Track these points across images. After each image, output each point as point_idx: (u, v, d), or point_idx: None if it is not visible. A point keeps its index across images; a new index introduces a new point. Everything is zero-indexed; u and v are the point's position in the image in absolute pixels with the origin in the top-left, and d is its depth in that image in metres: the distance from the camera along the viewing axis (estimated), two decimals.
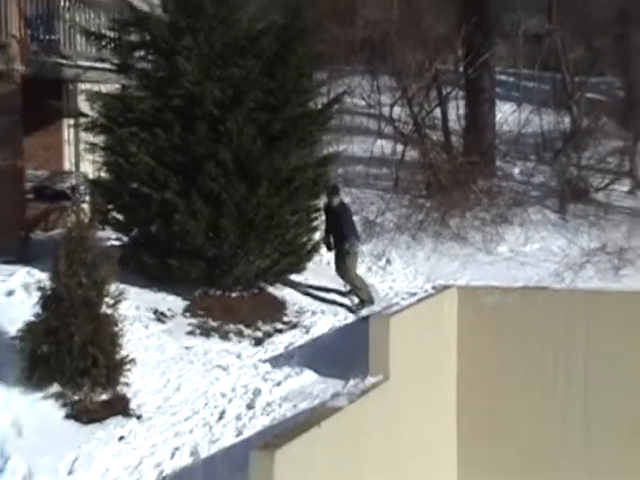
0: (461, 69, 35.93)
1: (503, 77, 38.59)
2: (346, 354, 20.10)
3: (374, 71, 34.80)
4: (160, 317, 21.55)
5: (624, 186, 33.29)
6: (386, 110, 35.22)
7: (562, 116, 35.32)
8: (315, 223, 25.17)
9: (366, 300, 22.21)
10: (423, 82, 34.82)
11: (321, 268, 24.41)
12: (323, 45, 26.25)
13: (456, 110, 35.70)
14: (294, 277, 24.02)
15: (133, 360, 18.72)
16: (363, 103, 35.07)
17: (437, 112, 35.38)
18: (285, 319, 22.30)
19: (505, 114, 36.56)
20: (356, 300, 23.36)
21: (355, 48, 33.22)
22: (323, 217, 24.80)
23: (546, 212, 31.83)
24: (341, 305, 23.36)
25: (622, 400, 19.53)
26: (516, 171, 34.23)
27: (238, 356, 20.71)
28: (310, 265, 24.26)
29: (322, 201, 24.96)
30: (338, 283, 23.61)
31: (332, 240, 23.63)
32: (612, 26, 36.66)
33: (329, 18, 29.04)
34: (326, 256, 24.13)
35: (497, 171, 33.95)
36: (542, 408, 20.18)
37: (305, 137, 24.21)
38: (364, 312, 22.11)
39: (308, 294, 24.04)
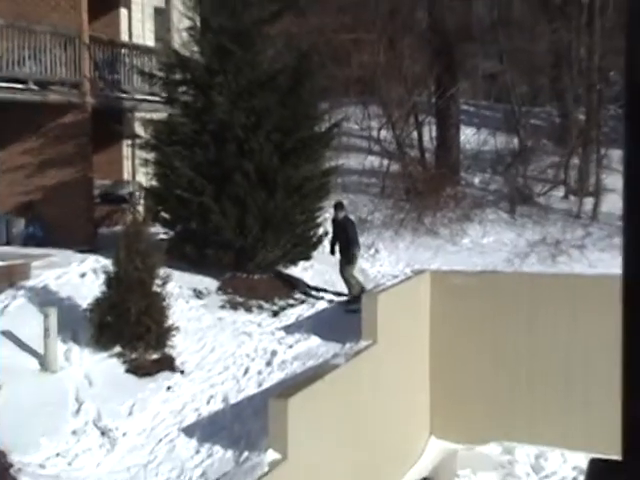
0: (433, 101, 36.07)
1: (466, 107, 38.59)
2: (343, 324, 20.24)
3: (365, 102, 34.85)
4: (198, 294, 21.78)
5: (560, 192, 33.33)
6: (375, 133, 35.27)
7: (511, 138, 35.34)
8: (319, 220, 25.30)
9: (357, 296, 21.52)
10: (403, 111, 34.91)
11: (323, 256, 24.42)
12: (326, 81, 26.35)
13: (429, 133, 35.79)
14: (302, 263, 24.12)
15: (177, 328, 19.15)
16: (357, 127, 35.07)
17: (414, 134, 35.47)
18: (296, 296, 22.38)
19: (467, 136, 36.69)
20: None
21: (350, 84, 33.26)
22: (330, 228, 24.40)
23: (499, 212, 31.91)
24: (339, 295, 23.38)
25: (560, 359, 19.51)
26: (476, 180, 34.24)
27: (259, 325, 21.00)
28: (315, 254, 24.34)
29: (329, 209, 25.04)
30: (337, 270, 23.59)
31: (337, 247, 23.12)
32: (549, 68, 36.67)
33: (330, 60, 29.06)
34: (327, 248, 24.00)
35: (461, 180, 33.98)
36: (494, 367, 20.15)
37: (312, 154, 24.46)
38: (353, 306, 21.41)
39: (313, 276, 24.13)
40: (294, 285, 22.67)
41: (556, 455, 18.68)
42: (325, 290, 23.32)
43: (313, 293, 23.29)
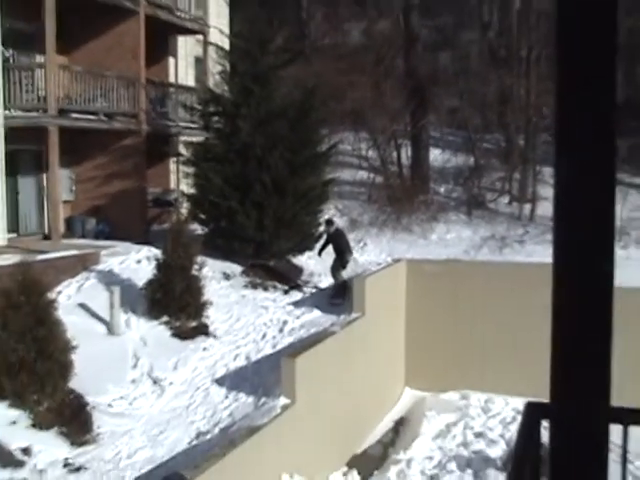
0: (408, 129, 36.01)
1: (433, 134, 38.53)
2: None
3: (356, 129, 34.76)
4: (226, 277, 21.80)
5: (505, 199, 33.35)
6: (363, 153, 35.26)
7: (468, 157, 35.37)
8: (320, 220, 25.26)
9: (340, 292, 20.68)
10: (386, 136, 34.89)
11: None
12: (326, 113, 26.35)
13: (406, 153, 35.81)
14: (307, 253, 24.05)
15: (210, 302, 19.22)
16: (349, 148, 34.99)
17: (394, 154, 35.48)
18: (302, 278, 22.36)
19: (435, 155, 36.73)
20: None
21: (345, 115, 33.22)
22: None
23: (459, 215, 31.93)
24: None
25: (505, 326, 19.49)
26: (441, 190, 34.22)
27: (274, 301, 20.98)
28: (317, 245, 24.28)
29: (328, 211, 24.97)
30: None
31: (324, 252, 22.13)
32: (497, 105, 36.69)
33: (329, 97, 29.06)
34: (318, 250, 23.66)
35: (430, 190, 33.97)
36: (455, 333, 20.16)
37: (315, 168, 24.43)
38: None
39: (316, 263, 24.09)
40: (300, 271, 22.62)
41: (500, 400, 18.69)
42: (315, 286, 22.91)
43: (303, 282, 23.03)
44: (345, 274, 21.28)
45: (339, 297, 20.28)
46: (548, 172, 30.63)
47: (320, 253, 22.35)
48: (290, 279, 22.45)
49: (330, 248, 21.72)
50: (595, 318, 2.29)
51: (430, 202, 32.66)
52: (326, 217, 24.16)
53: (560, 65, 2.28)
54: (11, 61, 22.32)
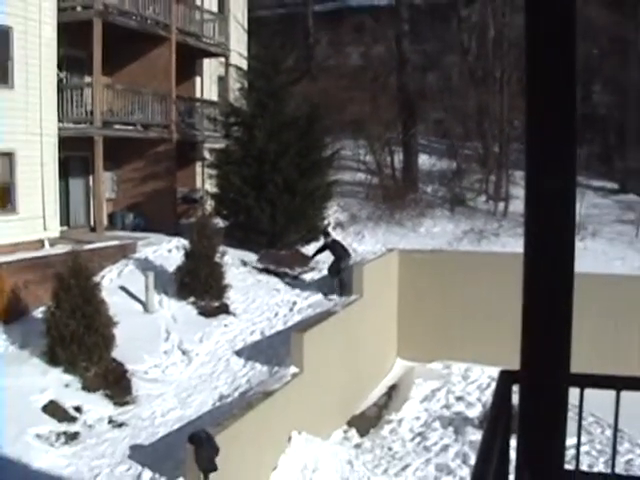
0: (400, 137, 36.01)
1: (422, 141, 38.49)
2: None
3: (355, 137, 34.76)
4: (244, 264, 21.71)
5: (483, 198, 33.32)
6: (362, 157, 35.26)
7: (451, 162, 35.35)
8: (324, 216, 25.30)
9: (336, 291, 19.66)
10: (381, 143, 34.89)
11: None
12: (329, 124, 26.31)
13: (398, 158, 35.81)
14: (314, 243, 23.90)
15: (230, 285, 19.18)
16: (350, 154, 34.98)
17: (388, 159, 35.45)
18: (309, 266, 22.29)
19: (424, 160, 36.69)
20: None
21: (346, 125, 33.23)
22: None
23: (444, 211, 31.90)
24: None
25: (482, 305, 19.44)
26: (429, 190, 34.17)
27: (285, 284, 20.93)
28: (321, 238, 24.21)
29: (331, 208, 24.80)
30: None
31: (318, 255, 21.38)
32: (476, 117, 36.71)
33: (333, 110, 29.04)
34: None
35: (419, 190, 33.97)
36: (440, 311, 20.14)
37: (320, 171, 24.45)
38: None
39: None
40: (308, 259, 22.54)
41: (478, 369, 18.69)
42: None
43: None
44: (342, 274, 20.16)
45: (334, 293, 19.71)
46: (519, 175, 30.69)
47: (314, 256, 21.78)
48: (299, 265, 22.37)
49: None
50: (558, 299, 2.32)
51: (419, 200, 32.67)
52: (325, 228, 23.49)
53: (529, 84, 2.31)
54: (64, 82, 22.46)
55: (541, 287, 2.36)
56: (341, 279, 19.70)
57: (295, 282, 21.26)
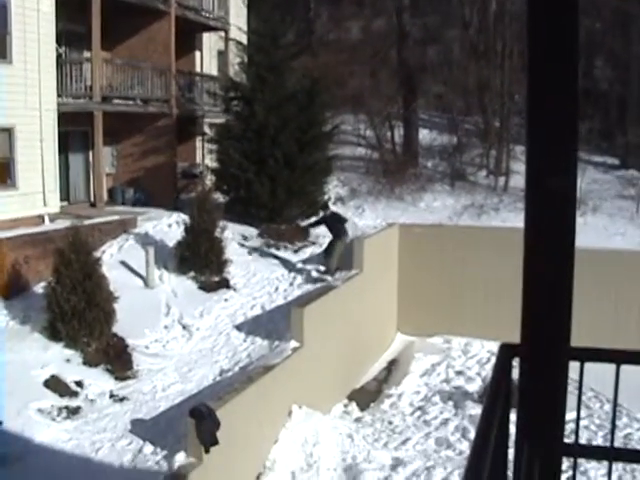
0: (401, 111, 35.93)
1: (422, 116, 38.43)
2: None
3: (356, 112, 34.69)
4: (244, 238, 21.69)
5: (483, 173, 33.31)
6: (362, 132, 35.21)
7: (452, 137, 35.31)
8: (324, 190, 25.19)
9: (330, 270, 19.02)
10: (381, 118, 34.85)
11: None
12: (329, 98, 26.16)
13: (398, 132, 35.77)
14: (313, 218, 23.75)
15: (231, 260, 19.15)
16: (350, 128, 34.93)
17: (389, 133, 35.41)
18: (309, 240, 22.23)
19: (424, 135, 36.69)
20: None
21: (346, 100, 33.11)
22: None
23: (444, 185, 31.91)
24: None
25: (482, 279, 19.40)
26: (429, 164, 34.18)
27: (285, 259, 20.91)
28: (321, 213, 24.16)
29: (331, 182, 24.68)
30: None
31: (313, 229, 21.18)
32: (476, 92, 36.59)
33: (333, 84, 28.91)
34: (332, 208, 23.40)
35: (419, 164, 33.97)
36: (440, 286, 20.10)
37: (320, 145, 24.39)
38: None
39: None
40: (307, 233, 22.49)
41: (478, 343, 18.72)
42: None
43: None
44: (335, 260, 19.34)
45: (327, 274, 19.06)
46: (520, 150, 30.64)
47: (308, 227, 21.42)
48: (299, 240, 22.32)
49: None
50: (559, 273, 2.33)
51: (419, 175, 32.67)
52: (325, 202, 22.55)
53: (531, 58, 2.29)
54: (64, 57, 22.35)
55: (542, 262, 2.36)
56: (330, 263, 19.14)
57: (296, 256, 21.17)
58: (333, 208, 22.43)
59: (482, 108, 35.97)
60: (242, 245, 21.16)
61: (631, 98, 36.07)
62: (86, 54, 23.31)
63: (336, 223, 19.75)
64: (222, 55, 30.08)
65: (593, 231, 24.23)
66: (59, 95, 20.77)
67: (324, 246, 20.18)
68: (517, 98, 32.70)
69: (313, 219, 21.64)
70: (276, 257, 20.92)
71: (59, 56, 21.44)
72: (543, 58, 2.27)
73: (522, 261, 2.36)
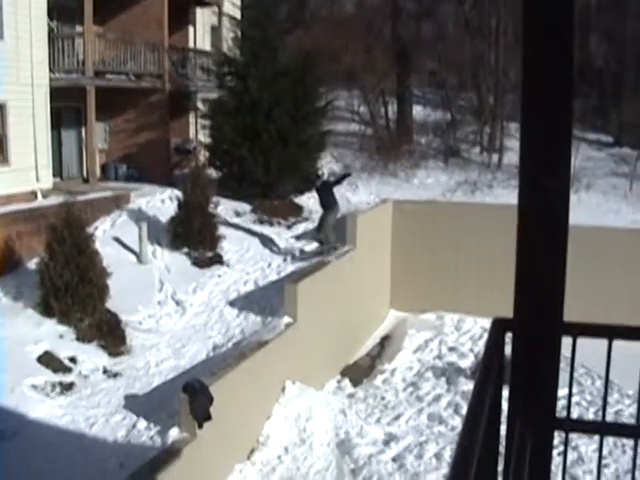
0: (395, 87, 35.84)
1: (416, 92, 38.34)
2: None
3: (349, 87, 34.61)
4: (238, 214, 21.69)
5: (477, 149, 33.32)
6: (356, 108, 35.15)
7: (446, 113, 35.28)
8: (318, 166, 25.18)
9: (325, 244, 18.65)
10: (375, 94, 34.78)
11: None
12: (323, 73, 26.05)
13: (392, 108, 35.69)
14: (307, 194, 23.75)
15: (224, 236, 19.12)
16: (344, 104, 34.86)
17: (382, 110, 35.35)
18: (303, 215, 22.25)
19: (418, 111, 36.63)
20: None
21: (340, 75, 33.01)
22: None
23: (437, 162, 31.89)
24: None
25: (474, 256, 19.46)
26: (423, 141, 34.12)
27: (278, 234, 20.84)
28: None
29: (325, 158, 24.61)
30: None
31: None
32: (470, 68, 36.55)
33: (327, 59, 28.76)
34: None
35: (413, 141, 33.92)
36: (432, 262, 20.14)
37: (314, 121, 24.40)
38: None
39: (314, 202, 23.93)
40: (301, 209, 22.52)
41: (470, 320, 18.80)
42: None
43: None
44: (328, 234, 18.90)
45: (323, 245, 18.79)
46: (514, 127, 30.59)
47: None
48: (293, 215, 22.32)
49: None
50: (552, 250, 2.34)
51: (413, 151, 32.62)
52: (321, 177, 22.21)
53: (526, 34, 2.29)
54: (56, 31, 22.20)
55: (536, 238, 2.37)
56: (324, 235, 18.86)
57: (289, 232, 21.18)
58: (324, 177, 22.48)
59: (476, 85, 35.91)
60: (235, 221, 21.14)
61: (626, 76, 36.01)
62: (78, 29, 23.15)
63: (326, 194, 19.01)
64: (215, 30, 29.89)
65: (586, 208, 24.28)
66: (51, 70, 20.66)
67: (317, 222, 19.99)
68: (511, 75, 32.62)
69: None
70: (270, 232, 20.86)
71: (51, 31, 21.29)
72: (538, 34, 2.27)
73: (515, 237, 2.37)
